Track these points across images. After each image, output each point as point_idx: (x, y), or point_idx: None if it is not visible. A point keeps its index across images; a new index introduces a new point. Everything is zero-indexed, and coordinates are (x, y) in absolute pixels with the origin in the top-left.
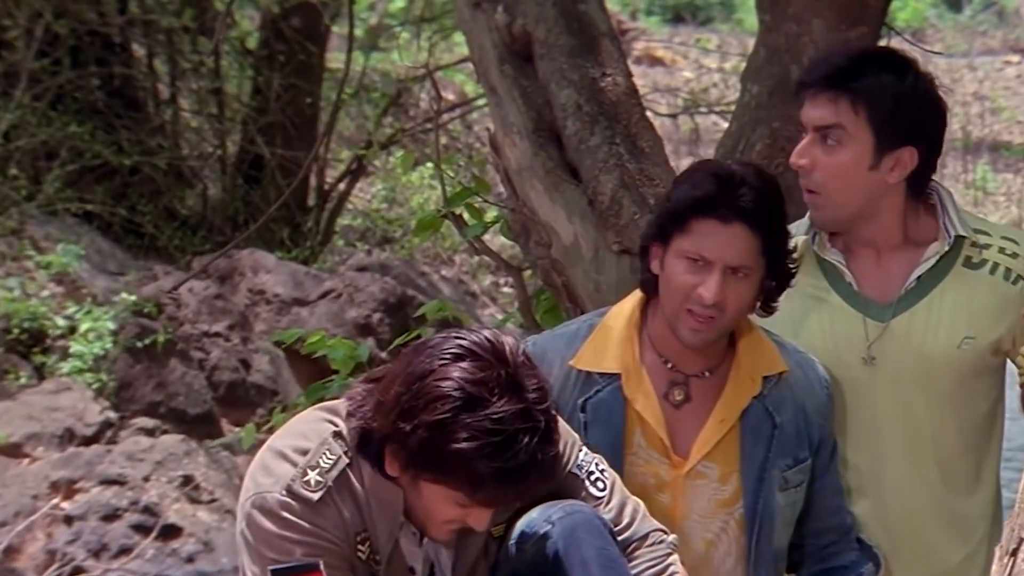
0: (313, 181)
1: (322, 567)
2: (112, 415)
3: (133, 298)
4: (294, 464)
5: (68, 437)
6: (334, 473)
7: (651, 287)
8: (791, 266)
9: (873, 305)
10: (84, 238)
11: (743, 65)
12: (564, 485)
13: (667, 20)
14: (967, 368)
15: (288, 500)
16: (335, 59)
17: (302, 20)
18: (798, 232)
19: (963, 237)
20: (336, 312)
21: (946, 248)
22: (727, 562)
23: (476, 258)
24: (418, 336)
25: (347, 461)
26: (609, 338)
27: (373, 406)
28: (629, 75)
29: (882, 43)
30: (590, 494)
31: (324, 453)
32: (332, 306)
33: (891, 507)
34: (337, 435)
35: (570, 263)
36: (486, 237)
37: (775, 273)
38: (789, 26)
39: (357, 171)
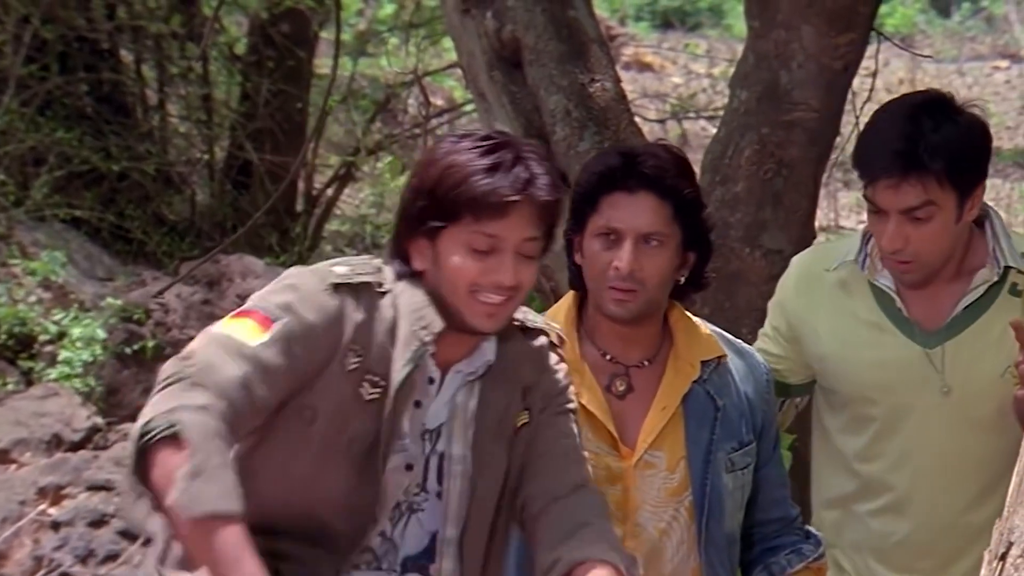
0: (301, 187)
1: (282, 323)
2: (100, 421)
3: (121, 303)
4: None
5: (56, 443)
6: (362, 279)
7: (577, 279)
8: (709, 240)
9: (922, 331)
10: (72, 244)
11: (732, 71)
12: (562, 422)
13: (656, 26)
14: (1010, 396)
15: (307, 273)
16: (324, 65)
17: (291, 26)
18: (848, 255)
19: (1011, 267)
20: None
21: (995, 279)
22: (680, 550)
23: None
24: None
25: (380, 284)
26: None
27: (395, 223)
28: (618, 81)
29: (871, 49)
30: (577, 441)
31: (366, 265)
32: None
33: (919, 526)
34: (381, 267)
35: (559, 268)
36: None
37: (693, 242)
38: (778, 32)
39: (345, 177)
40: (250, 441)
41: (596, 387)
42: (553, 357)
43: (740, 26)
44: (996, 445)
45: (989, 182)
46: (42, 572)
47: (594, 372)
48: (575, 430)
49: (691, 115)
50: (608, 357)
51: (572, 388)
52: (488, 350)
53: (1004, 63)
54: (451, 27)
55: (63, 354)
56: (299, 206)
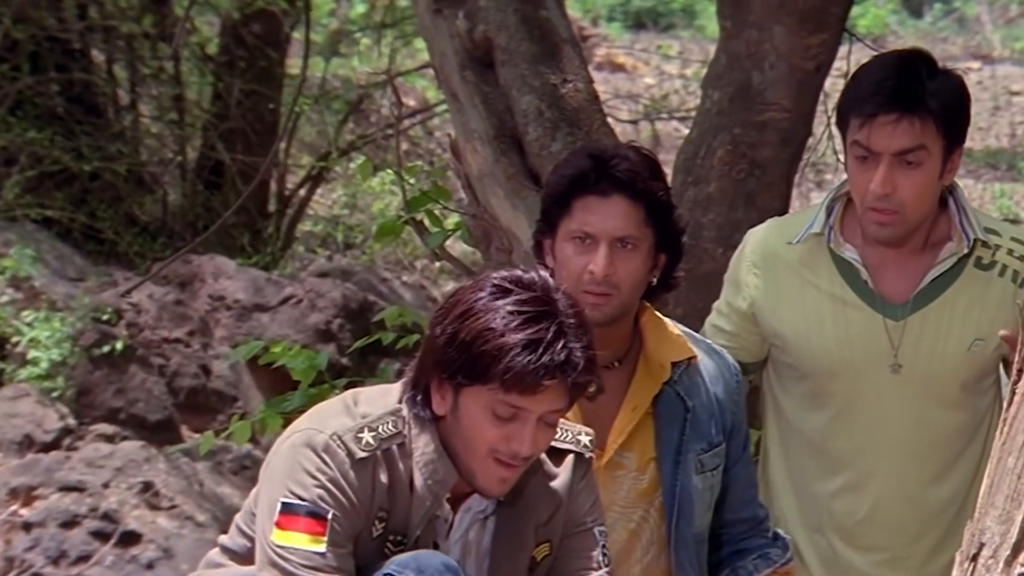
0: (274, 187)
1: (329, 518)
2: (71, 422)
3: (90, 303)
4: (354, 419)
5: (27, 444)
6: (387, 444)
7: None
8: (683, 239)
9: (888, 304)
10: (44, 244)
11: (704, 71)
12: (580, 542)
13: (629, 26)
14: (975, 370)
15: (334, 446)
16: (296, 65)
17: (262, 26)
18: (812, 227)
19: (977, 239)
20: (297, 318)
21: (964, 251)
22: (650, 551)
23: (438, 264)
24: (379, 341)
25: (401, 440)
26: None
27: (420, 356)
28: (590, 81)
29: (843, 50)
30: (595, 560)
31: (387, 422)
32: (293, 312)
33: (880, 502)
34: (399, 414)
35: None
36: (448, 243)
37: (665, 244)
38: (750, 33)
39: (318, 177)
40: None
41: None
42: (579, 481)
43: (713, 27)
44: (957, 421)
45: (961, 182)
46: (14, 573)
47: None
48: (597, 541)
49: (664, 116)
50: None
51: (598, 507)
52: None
53: (976, 64)
54: (423, 27)
55: (32, 354)
56: (271, 206)
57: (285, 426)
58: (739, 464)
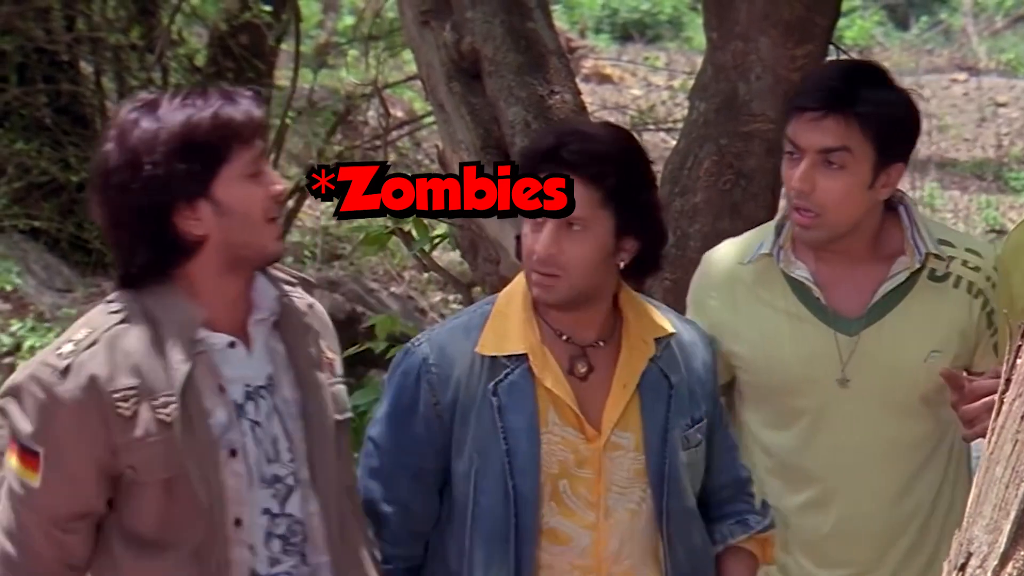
0: None
1: (42, 457)
2: None
3: (77, 314)
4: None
5: None
6: (90, 338)
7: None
8: (658, 223)
9: (842, 319)
10: (31, 254)
11: (691, 83)
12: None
13: (616, 38)
14: (934, 382)
15: (36, 373)
16: (284, 76)
17: (250, 38)
18: (762, 248)
19: (931, 253)
20: None
21: (916, 265)
22: (653, 529)
23: (425, 275)
24: (367, 351)
25: (115, 322)
26: (508, 321)
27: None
28: (577, 92)
29: (829, 60)
30: None
31: (81, 328)
32: None
33: (845, 516)
34: (101, 311)
35: None
36: (435, 254)
37: (631, 227)
38: (736, 44)
39: (306, 188)
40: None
41: (559, 370)
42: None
43: (699, 38)
44: (919, 432)
45: (947, 193)
46: None
47: (555, 354)
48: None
49: (651, 127)
50: (564, 337)
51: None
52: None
53: (962, 76)
54: (410, 39)
55: (19, 364)
56: None
57: None
58: (717, 431)
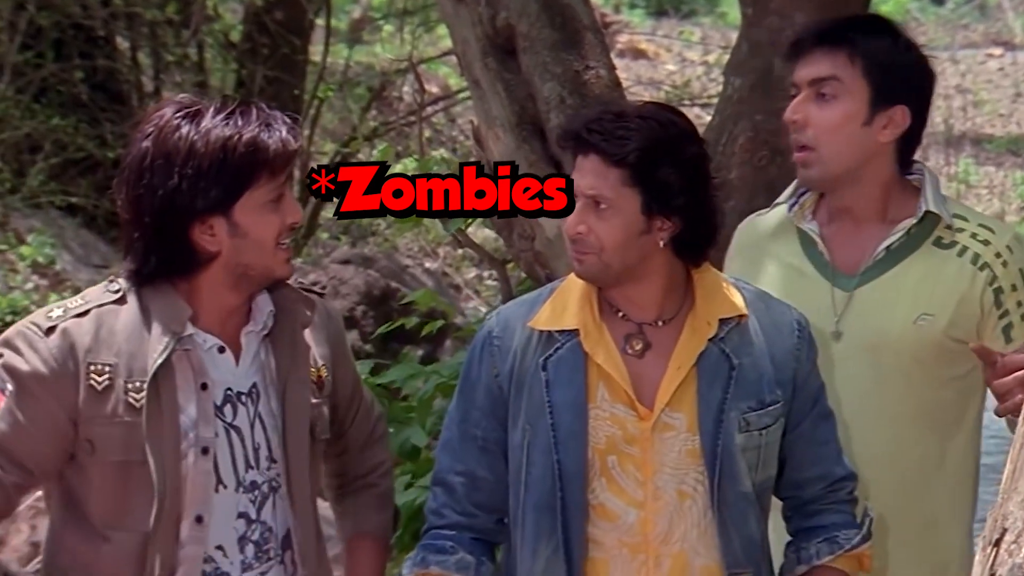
0: (297, 174)
1: (8, 392)
2: None
3: None
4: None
5: None
6: (82, 308)
7: None
8: (698, 202)
9: (841, 276)
10: (68, 231)
11: (726, 58)
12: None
13: (650, 13)
14: (925, 347)
15: (23, 327)
16: (319, 52)
17: (285, 13)
18: (779, 200)
19: (935, 215)
20: None
21: (914, 221)
22: (707, 513)
23: (460, 251)
24: (402, 326)
25: (109, 300)
26: (569, 298)
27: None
28: (612, 68)
29: None
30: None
31: (77, 299)
32: None
33: None
34: (100, 288)
35: (553, 256)
36: (470, 230)
37: (660, 207)
38: (772, 20)
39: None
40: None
41: (613, 347)
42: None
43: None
44: (911, 404)
45: (982, 169)
46: (39, 558)
47: (612, 332)
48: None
49: (685, 102)
50: (621, 314)
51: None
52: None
53: (997, 51)
54: (445, 14)
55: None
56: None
57: None
58: (806, 420)
